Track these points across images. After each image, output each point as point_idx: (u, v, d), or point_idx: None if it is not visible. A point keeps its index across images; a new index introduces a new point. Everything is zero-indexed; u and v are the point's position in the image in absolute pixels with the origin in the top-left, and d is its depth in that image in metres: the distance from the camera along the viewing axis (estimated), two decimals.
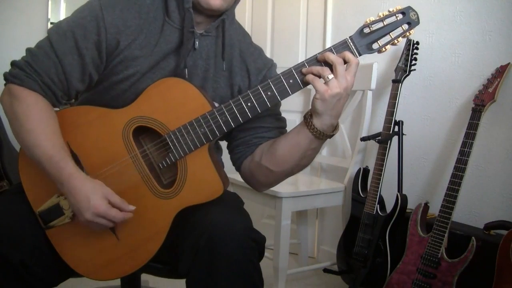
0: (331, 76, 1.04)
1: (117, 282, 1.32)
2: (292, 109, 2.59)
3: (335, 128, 1.12)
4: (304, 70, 1.07)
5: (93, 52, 1.10)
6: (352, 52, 1.05)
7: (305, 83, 1.07)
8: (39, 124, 1.05)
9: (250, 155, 1.24)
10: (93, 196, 1.02)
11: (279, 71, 1.08)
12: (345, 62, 1.05)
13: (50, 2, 3.11)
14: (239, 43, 1.24)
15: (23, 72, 1.07)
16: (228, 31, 1.20)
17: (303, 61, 1.06)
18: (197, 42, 1.16)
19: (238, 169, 1.28)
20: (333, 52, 1.06)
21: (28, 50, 1.10)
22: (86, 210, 1.02)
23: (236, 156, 1.26)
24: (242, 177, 1.29)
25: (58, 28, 1.10)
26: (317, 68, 1.05)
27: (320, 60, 1.06)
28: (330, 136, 1.12)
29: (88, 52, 1.10)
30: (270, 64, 1.28)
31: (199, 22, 1.17)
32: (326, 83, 1.04)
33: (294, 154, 1.15)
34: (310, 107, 1.10)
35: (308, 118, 1.11)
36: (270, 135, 1.23)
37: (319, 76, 1.05)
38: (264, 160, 1.19)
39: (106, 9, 1.09)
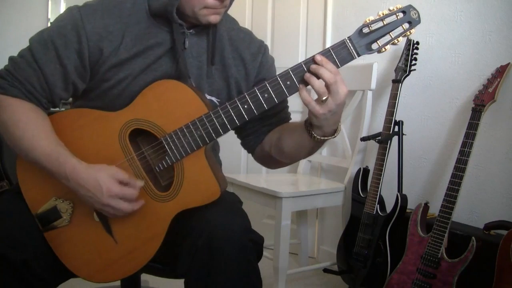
0: (325, 97, 1.02)
1: (117, 282, 1.32)
2: (292, 109, 2.58)
3: (336, 130, 1.12)
4: (301, 89, 1.05)
5: (76, 61, 1.10)
6: (351, 53, 1.04)
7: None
8: (29, 126, 1.05)
9: (260, 144, 1.29)
10: (102, 180, 1.03)
11: (278, 71, 1.07)
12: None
13: (50, 2, 3.12)
14: (227, 32, 1.23)
15: (5, 81, 1.06)
16: (217, 27, 1.20)
17: (300, 63, 1.05)
18: (187, 42, 1.15)
19: (251, 154, 1.34)
20: (332, 52, 1.04)
21: (10, 59, 1.09)
22: (101, 196, 1.02)
23: (247, 145, 1.32)
24: (256, 160, 1.35)
25: (39, 37, 1.10)
26: (315, 83, 1.03)
27: (312, 72, 1.04)
28: (334, 137, 1.12)
29: (70, 62, 1.09)
30: (263, 48, 1.28)
31: (187, 26, 1.16)
32: (320, 102, 1.03)
33: (300, 151, 1.19)
34: None
35: (308, 127, 1.11)
36: (276, 120, 1.27)
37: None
38: (273, 152, 1.24)
39: (86, 17, 1.09)
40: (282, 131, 1.23)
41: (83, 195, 1.05)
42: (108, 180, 1.03)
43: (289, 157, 1.24)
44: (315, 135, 1.09)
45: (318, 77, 1.03)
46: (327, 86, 1.02)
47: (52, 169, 1.04)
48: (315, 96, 1.05)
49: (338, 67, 1.04)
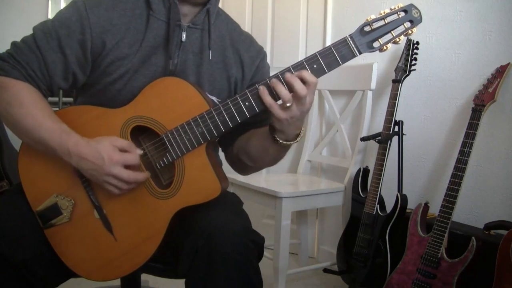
0: (289, 103, 1.01)
1: (117, 282, 1.32)
2: None
3: (298, 134, 1.11)
4: (262, 91, 1.03)
5: (78, 52, 1.10)
6: (352, 51, 1.04)
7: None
8: (33, 105, 1.06)
9: (231, 146, 1.29)
10: (102, 149, 1.03)
11: (277, 71, 1.07)
12: (303, 81, 1.01)
13: (50, 2, 3.12)
14: (229, 32, 1.24)
15: (7, 63, 1.07)
16: (215, 21, 1.20)
17: (301, 60, 1.05)
18: (184, 35, 1.15)
19: (224, 152, 1.35)
20: (333, 49, 1.03)
21: (13, 44, 1.10)
22: (103, 165, 1.02)
23: (222, 143, 1.33)
24: (227, 161, 1.35)
25: (43, 26, 1.10)
26: (281, 91, 1.02)
27: (284, 81, 1.02)
28: (297, 141, 1.12)
29: (71, 52, 1.10)
30: (262, 54, 1.29)
31: (185, 13, 1.16)
32: (284, 108, 1.02)
33: (265, 156, 1.20)
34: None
35: (271, 130, 1.11)
36: (253, 127, 1.26)
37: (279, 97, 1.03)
38: (241, 155, 1.25)
39: (91, 9, 1.10)
40: (251, 134, 1.24)
41: (86, 169, 1.05)
42: (109, 148, 1.03)
43: (255, 161, 1.23)
44: (277, 138, 1.09)
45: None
46: (295, 92, 1.01)
47: (55, 146, 1.04)
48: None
49: (339, 64, 1.04)
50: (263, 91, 1.03)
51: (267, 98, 1.03)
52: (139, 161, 1.07)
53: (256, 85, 1.06)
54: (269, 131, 1.11)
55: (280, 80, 1.03)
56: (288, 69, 1.04)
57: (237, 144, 1.27)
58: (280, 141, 1.10)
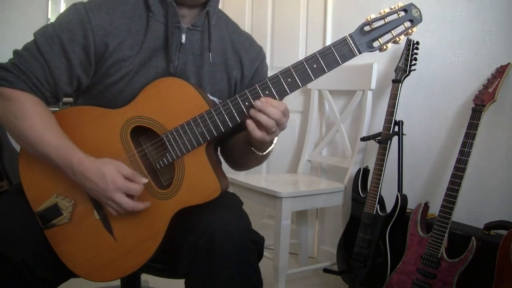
0: (274, 129, 1.05)
1: (117, 282, 1.32)
2: (292, 109, 2.59)
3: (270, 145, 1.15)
4: (252, 112, 1.06)
5: (81, 56, 1.10)
6: (352, 50, 1.04)
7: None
8: (37, 119, 1.06)
9: (225, 143, 1.31)
10: (107, 173, 1.03)
11: (277, 71, 1.07)
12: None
13: (50, 2, 3.12)
14: (229, 34, 1.25)
15: (11, 74, 1.06)
16: (216, 23, 1.20)
17: (301, 60, 1.05)
18: (183, 37, 1.15)
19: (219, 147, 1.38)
20: (333, 49, 1.04)
21: (15, 53, 1.09)
22: (106, 188, 1.03)
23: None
24: (221, 154, 1.39)
25: (44, 32, 1.10)
26: (261, 117, 1.04)
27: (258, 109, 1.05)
28: (265, 152, 1.16)
29: (75, 56, 1.09)
30: (262, 56, 1.30)
31: (184, 15, 1.16)
32: (261, 127, 1.05)
33: (245, 160, 1.27)
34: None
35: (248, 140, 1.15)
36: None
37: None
38: (225, 157, 1.32)
39: (92, 11, 1.09)
40: (232, 141, 1.28)
41: (88, 188, 1.05)
42: (114, 173, 1.04)
43: (237, 163, 1.32)
44: (253, 148, 1.15)
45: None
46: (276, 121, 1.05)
47: (58, 162, 1.05)
48: None
49: (339, 64, 1.04)
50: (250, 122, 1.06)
51: (249, 122, 1.06)
52: (141, 192, 1.07)
53: (255, 89, 1.07)
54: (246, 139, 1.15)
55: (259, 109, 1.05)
56: (288, 68, 1.04)
57: (224, 147, 1.32)
58: (253, 149, 1.14)
